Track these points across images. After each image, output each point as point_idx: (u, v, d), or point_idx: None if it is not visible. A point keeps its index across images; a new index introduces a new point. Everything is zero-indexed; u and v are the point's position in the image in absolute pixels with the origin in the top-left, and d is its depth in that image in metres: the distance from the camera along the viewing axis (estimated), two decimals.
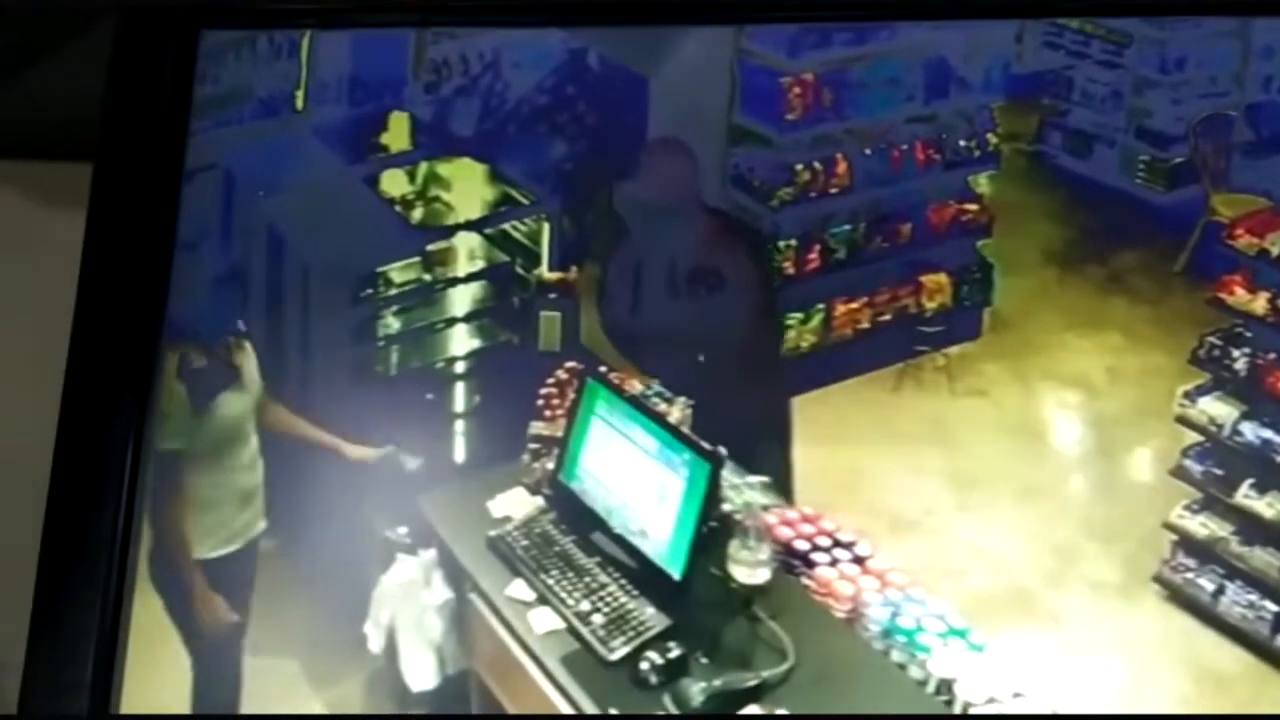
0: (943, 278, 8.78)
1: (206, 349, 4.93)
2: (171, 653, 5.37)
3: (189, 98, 5.77)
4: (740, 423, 4.87)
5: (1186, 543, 6.74)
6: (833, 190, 8.43)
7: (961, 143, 8.71)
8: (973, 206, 8.88)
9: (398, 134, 6.71)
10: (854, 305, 8.62)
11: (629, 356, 5.13)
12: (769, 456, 4.74)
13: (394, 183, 6.45)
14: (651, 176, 5.10)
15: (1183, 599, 6.71)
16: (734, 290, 5.03)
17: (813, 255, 8.35)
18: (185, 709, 4.94)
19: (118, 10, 5.33)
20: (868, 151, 8.48)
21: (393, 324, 5.85)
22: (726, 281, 5.04)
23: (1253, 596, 6.49)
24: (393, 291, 5.90)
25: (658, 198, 5.07)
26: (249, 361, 5.17)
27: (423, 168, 6.48)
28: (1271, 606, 6.44)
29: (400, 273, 5.96)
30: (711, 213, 5.26)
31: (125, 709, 4.58)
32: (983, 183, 8.96)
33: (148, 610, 4.94)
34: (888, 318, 8.76)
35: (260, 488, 5.05)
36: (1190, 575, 6.73)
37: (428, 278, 5.96)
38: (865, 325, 8.66)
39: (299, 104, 7.02)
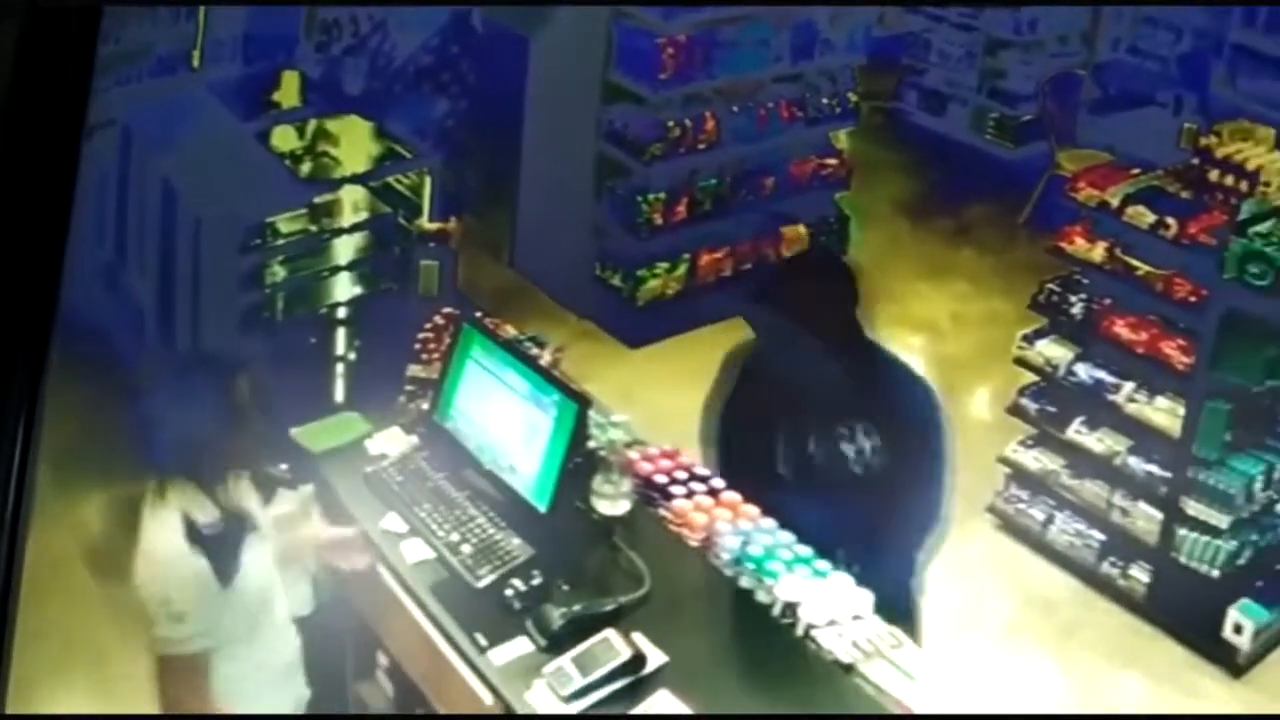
0: (801, 229, 8.84)
1: (210, 492, 3.80)
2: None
3: (93, 59, 5.65)
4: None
5: (1019, 476, 6.86)
6: (701, 146, 8.46)
7: (824, 101, 8.77)
8: (832, 161, 8.94)
9: (289, 92, 6.67)
10: (718, 255, 8.65)
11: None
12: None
13: (284, 138, 6.41)
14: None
15: (1014, 528, 6.83)
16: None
17: (680, 207, 8.38)
18: None
19: None
20: (735, 109, 8.51)
21: (279, 272, 5.82)
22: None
23: (1080, 525, 6.62)
24: (280, 241, 5.87)
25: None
26: (251, 497, 4.05)
27: (312, 124, 6.43)
28: (1098, 535, 6.57)
29: (288, 223, 5.93)
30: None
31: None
32: (843, 139, 9.03)
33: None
34: (749, 266, 8.83)
35: (299, 651, 4.22)
36: (1022, 506, 6.85)
37: (314, 228, 5.93)
38: (728, 273, 8.73)
39: (195, 62, 6.95)
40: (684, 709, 3.65)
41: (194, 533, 3.68)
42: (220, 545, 3.72)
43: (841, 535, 4.23)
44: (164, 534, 3.67)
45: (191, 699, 3.72)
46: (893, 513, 4.31)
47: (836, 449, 4.30)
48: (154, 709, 3.85)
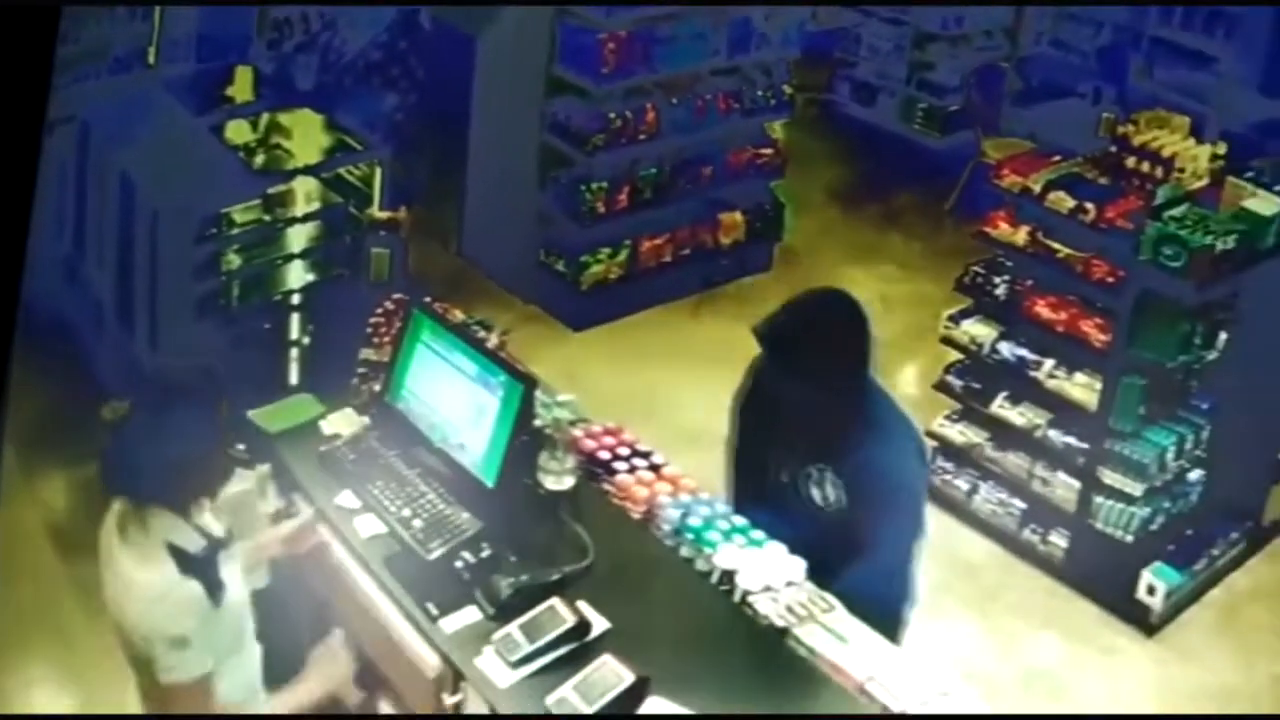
0: (738, 216, 8.90)
1: (185, 516, 3.67)
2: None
3: (52, 57, 5.62)
4: None
5: (946, 448, 6.95)
6: (642, 137, 8.49)
7: (760, 93, 8.82)
8: (768, 151, 9.00)
9: (243, 87, 6.66)
10: (658, 241, 8.71)
11: None
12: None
13: (238, 131, 6.40)
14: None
15: (941, 498, 6.91)
16: None
17: (622, 196, 8.42)
18: None
19: None
20: (674, 101, 8.54)
21: (234, 261, 5.82)
22: None
23: (1003, 495, 6.71)
24: (235, 231, 5.86)
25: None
26: (218, 520, 3.88)
27: (265, 118, 6.42)
28: (1019, 504, 6.66)
29: (242, 214, 5.92)
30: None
31: None
32: (777, 129, 9.09)
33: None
34: (688, 252, 8.89)
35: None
36: (948, 477, 6.93)
37: (268, 218, 5.92)
38: (668, 259, 8.78)
39: (151, 59, 6.94)
40: (626, 674, 3.69)
41: (184, 560, 3.60)
42: (206, 566, 3.66)
43: (808, 561, 4.23)
44: (154, 567, 3.57)
45: None
46: (849, 558, 4.29)
47: (804, 487, 4.33)
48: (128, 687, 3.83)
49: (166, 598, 3.54)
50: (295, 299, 5.82)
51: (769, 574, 4.13)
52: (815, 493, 4.29)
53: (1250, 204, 5.97)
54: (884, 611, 4.15)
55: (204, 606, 3.60)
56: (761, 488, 4.47)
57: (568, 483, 4.41)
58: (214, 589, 3.64)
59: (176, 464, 3.64)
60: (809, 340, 4.15)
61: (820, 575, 4.18)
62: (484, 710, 3.90)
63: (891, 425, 4.31)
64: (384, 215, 6.12)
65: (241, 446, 4.45)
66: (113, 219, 6.34)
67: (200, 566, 3.62)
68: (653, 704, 3.66)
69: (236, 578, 3.81)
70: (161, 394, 3.77)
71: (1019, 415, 6.58)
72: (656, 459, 4.68)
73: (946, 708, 3.70)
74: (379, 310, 5.04)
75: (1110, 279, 6.18)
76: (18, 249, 4.80)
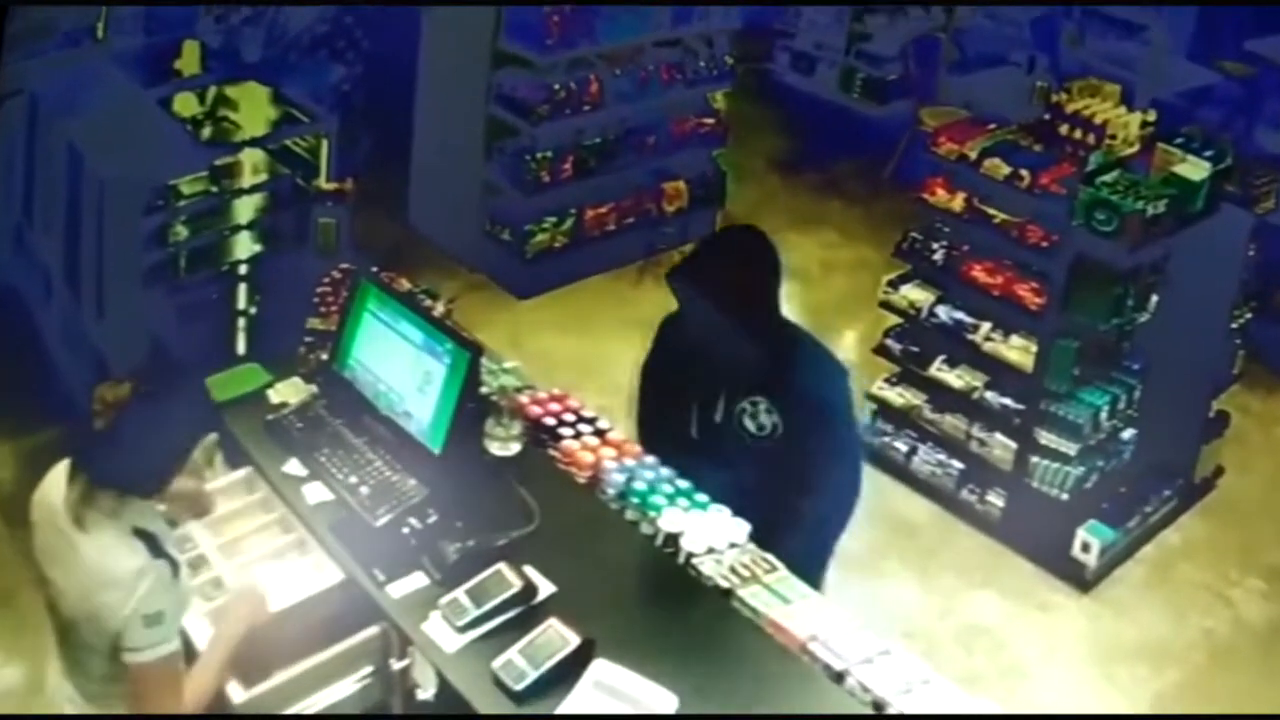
0: (681, 184, 8.84)
1: (146, 495, 3.55)
2: None
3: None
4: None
5: (885, 411, 6.94)
6: (586, 107, 8.42)
7: (701, 64, 8.77)
8: (710, 120, 8.95)
9: (190, 60, 6.55)
10: (603, 209, 8.63)
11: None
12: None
13: (185, 104, 6.30)
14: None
15: (881, 459, 6.90)
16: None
17: (567, 165, 8.34)
18: None
19: None
20: (618, 72, 8.48)
21: (182, 232, 5.73)
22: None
23: (941, 455, 6.70)
24: (183, 203, 5.77)
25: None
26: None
27: (212, 90, 6.33)
28: (957, 464, 6.65)
29: (190, 185, 5.83)
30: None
31: None
32: (719, 99, 9.05)
33: None
34: (632, 220, 8.83)
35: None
36: (888, 439, 6.92)
37: (215, 189, 5.84)
38: (612, 227, 8.72)
39: (100, 34, 6.82)
40: (571, 637, 3.65)
41: (153, 542, 3.51)
42: (165, 544, 3.58)
43: (743, 500, 4.21)
44: (126, 553, 3.45)
45: (173, 697, 3.57)
46: (793, 487, 4.28)
47: (740, 422, 4.29)
48: None
49: (144, 578, 3.44)
50: (243, 269, 5.74)
51: (712, 536, 4.11)
52: (751, 424, 4.26)
53: (1180, 169, 5.98)
54: (830, 536, 4.15)
55: (171, 581, 3.52)
56: (684, 439, 4.43)
57: (514, 449, 4.37)
58: (175, 568, 3.57)
59: (174, 454, 3.57)
60: (722, 273, 4.14)
61: (763, 511, 4.19)
62: (430, 673, 3.87)
63: (816, 353, 4.33)
64: (330, 186, 6.04)
65: None
66: (61, 190, 6.24)
67: (163, 547, 3.55)
68: (598, 666, 3.63)
69: (177, 550, 3.72)
70: (159, 380, 3.63)
71: (957, 378, 6.58)
72: (601, 424, 4.65)
73: (929, 696, 3.67)
74: (326, 280, 4.98)
75: (1044, 243, 6.17)
76: None
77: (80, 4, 6.56)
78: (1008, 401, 6.38)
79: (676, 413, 4.44)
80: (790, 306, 4.42)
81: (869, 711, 3.61)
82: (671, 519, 4.14)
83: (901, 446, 6.82)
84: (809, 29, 11.03)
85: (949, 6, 10.63)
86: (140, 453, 3.49)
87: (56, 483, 3.55)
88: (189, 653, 3.68)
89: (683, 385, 4.41)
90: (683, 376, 4.40)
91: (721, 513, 4.18)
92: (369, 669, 3.97)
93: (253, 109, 6.18)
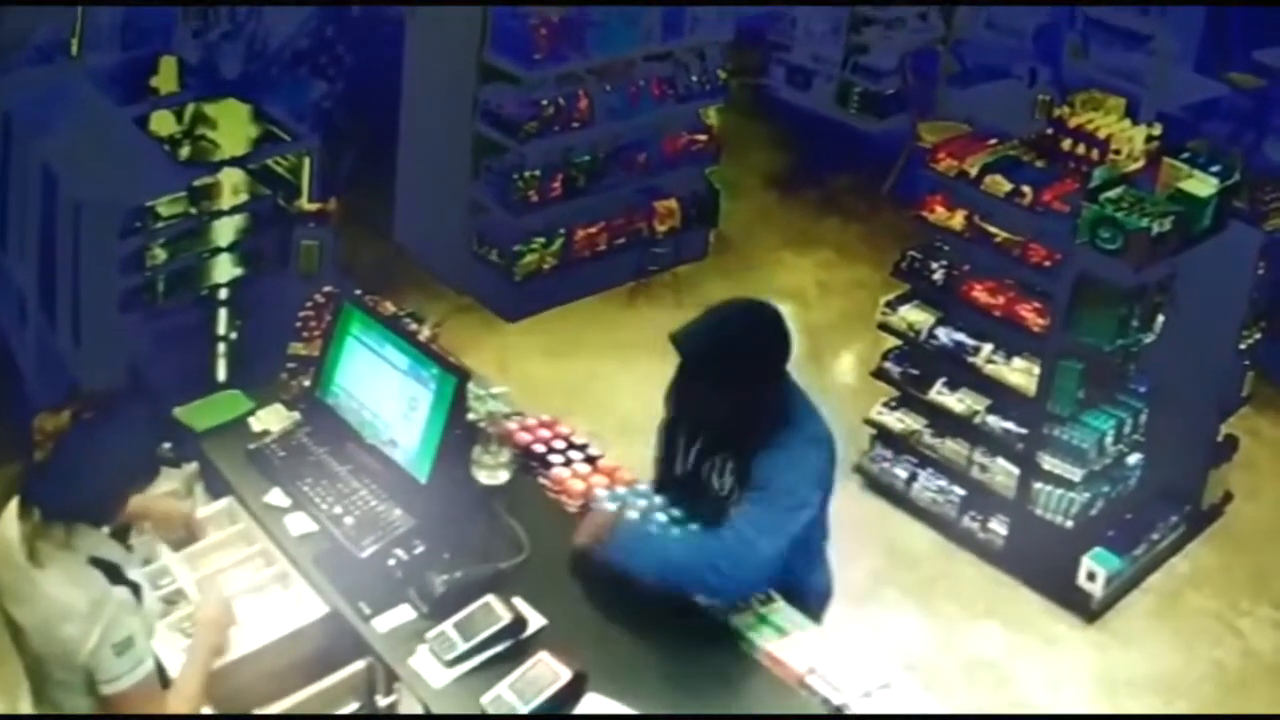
0: (673, 203, 8.87)
1: (96, 523, 3.59)
2: None
3: None
4: None
5: (884, 436, 6.96)
6: (575, 124, 8.45)
7: (694, 78, 8.80)
8: (702, 137, 8.99)
9: (167, 77, 6.56)
10: (593, 229, 8.66)
11: None
12: None
13: (163, 123, 6.30)
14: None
15: (879, 486, 6.94)
16: None
17: (556, 184, 8.36)
18: None
19: None
20: (608, 88, 8.51)
21: (160, 255, 5.73)
22: None
23: (942, 482, 6.72)
24: (160, 225, 5.78)
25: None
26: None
27: (190, 108, 6.34)
28: (959, 490, 6.68)
29: (168, 206, 5.84)
30: None
31: None
32: (712, 114, 9.08)
33: None
34: (623, 240, 8.86)
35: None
36: (887, 465, 6.95)
37: (194, 211, 5.85)
38: (602, 247, 8.74)
39: (74, 49, 6.84)
40: (562, 671, 3.68)
41: (111, 570, 3.53)
42: (125, 570, 3.60)
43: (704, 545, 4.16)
44: (83, 584, 3.47)
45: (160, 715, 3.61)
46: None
47: (708, 475, 4.31)
48: None
49: (104, 609, 3.46)
50: (223, 293, 5.75)
51: None
52: (715, 480, 4.27)
53: (1186, 185, 5.99)
54: (685, 585, 4.07)
55: (135, 607, 3.54)
56: (670, 474, 4.46)
57: (502, 477, 4.39)
58: (135, 591, 3.58)
59: (117, 481, 3.59)
60: (725, 354, 4.09)
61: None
62: (417, 709, 3.89)
63: (797, 427, 4.18)
64: (313, 207, 6.05)
65: (168, 445, 4.41)
66: (35, 211, 6.25)
67: (123, 574, 3.57)
68: (590, 701, 3.66)
69: (141, 576, 3.75)
70: (99, 406, 3.65)
71: (958, 401, 6.60)
72: (592, 450, 4.69)
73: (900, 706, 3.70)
74: (308, 304, 5.01)
75: (1047, 262, 6.20)
76: None
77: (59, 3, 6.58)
78: (1010, 426, 6.40)
79: (670, 443, 4.47)
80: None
81: None
82: None
83: (901, 473, 6.84)
84: (805, 41, 11.08)
85: (948, 17, 10.69)
86: (81, 480, 3.50)
87: (10, 518, 3.56)
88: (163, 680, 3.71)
89: (679, 419, 4.44)
90: (680, 411, 4.43)
91: None
92: (354, 705, 3.98)
93: (232, 127, 6.18)
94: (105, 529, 3.64)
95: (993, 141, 6.59)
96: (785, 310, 4.21)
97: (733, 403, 4.11)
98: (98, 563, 3.52)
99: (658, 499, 4.38)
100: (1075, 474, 6.18)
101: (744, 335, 4.13)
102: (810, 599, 4.28)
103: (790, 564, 4.10)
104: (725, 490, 4.22)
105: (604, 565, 4.10)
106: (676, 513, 4.30)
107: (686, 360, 4.19)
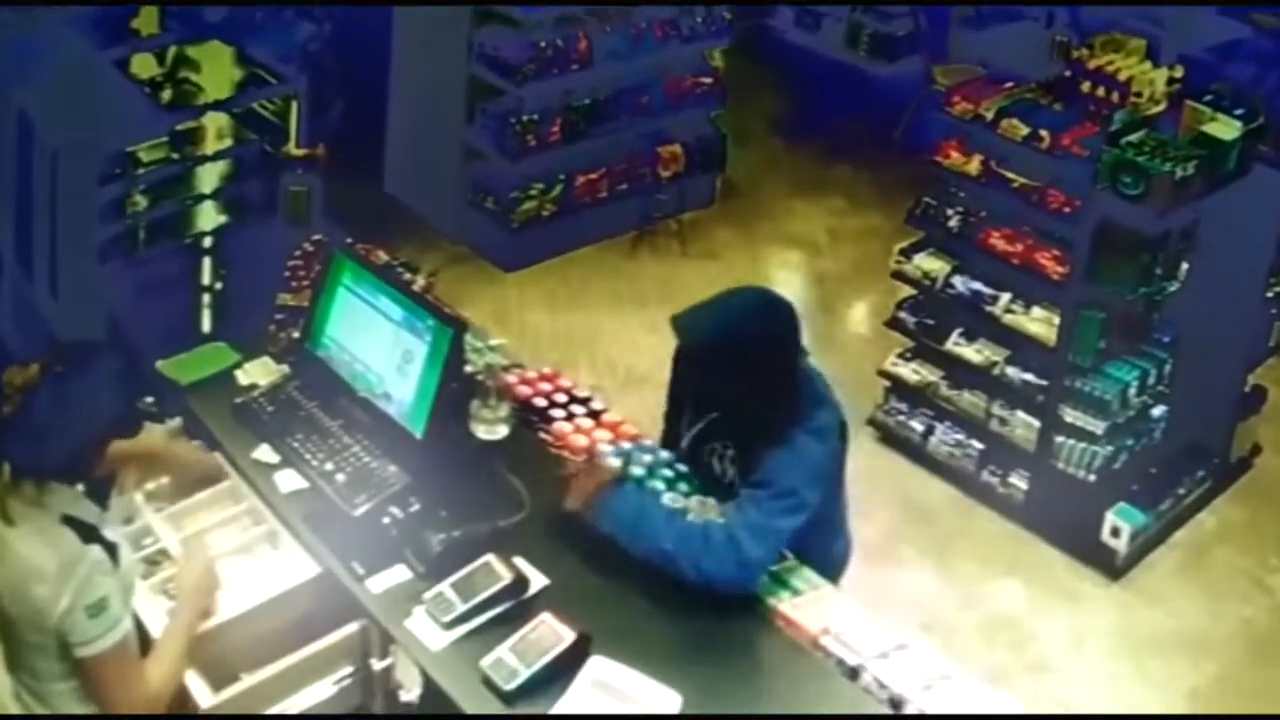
0: (677, 148, 8.80)
1: (69, 480, 3.53)
2: None
3: None
4: None
5: (899, 388, 6.92)
6: (574, 66, 8.38)
7: (698, 18, 8.72)
8: (707, 79, 8.91)
9: (148, 19, 6.50)
10: (593, 175, 8.58)
11: None
12: None
13: (144, 66, 6.25)
14: None
15: (895, 440, 6.90)
16: None
17: (555, 128, 8.29)
18: None
19: None
20: (608, 29, 8.44)
21: (141, 202, 5.69)
22: None
23: (960, 435, 6.68)
24: (141, 171, 5.73)
25: None
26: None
27: (172, 50, 6.28)
28: (977, 444, 6.64)
29: (149, 152, 5.79)
30: None
31: None
32: (717, 56, 9.01)
33: None
34: (625, 187, 8.79)
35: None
36: (902, 418, 6.91)
37: (176, 156, 5.80)
38: (604, 194, 8.67)
39: None
40: (566, 632, 3.63)
41: (84, 530, 3.47)
42: (101, 528, 3.54)
43: (693, 541, 4.09)
44: (54, 544, 3.42)
45: (138, 684, 3.53)
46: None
47: (709, 458, 4.26)
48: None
49: (75, 569, 3.40)
50: (207, 241, 5.71)
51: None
52: (716, 465, 4.21)
53: (1209, 129, 5.92)
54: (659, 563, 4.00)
55: (110, 568, 3.49)
56: (675, 444, 4.39)
57: (501, 432, 4.31)
58: (112, 551, 3.52)
59: (89, 437, 3.53)
60: (728, 350, 3.98)
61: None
62: (413, 673, 3.85)
63: (804, 420, 4.02)
64: (301, 152, 6.00)
65: (150, 400, 4.34)
66: (10, 159, 6.19)
67: (97, 533, 3.50)
68: (595, 663, 3.60)
69: (119, 536, 3.69)
70: (70, 358, 3.59)
71: (975, 352, 6.56)
72: (595, 404, 4.63)
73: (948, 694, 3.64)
74: (297, 252, 4.94)
75: (1067, 209, 6.16)
76: None
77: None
78: (1030, 377, 6.36)
79: (675, 415, 4.41)
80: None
81: (886, 710, 3.59)
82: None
83: (917, 426, 6.80)
84: None
85: None
86: (50, 436, 3.44)
87: None
88: (144, 643, 3.65)
89: (681, 395, 4.38)
90: (679, 388, 4.37)
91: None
92: (348, 669, 3.94)
93: (216, 70, 6.14)
94: (79, 486, 3.56)
95: (1009, 85, 6.56)
96: (792, 297, 4.11)
97: (734, 395, 4.03)
98: (71, 521, 3.46)
99: (663, 454, 4.32)
100: (1098, 426, 6.14)
101: (750, 334, 3.96)
102: (828, 568, 4.21)
103: (805, 540, 4.02)
104: (726, 478, 4.16)
105: (594, 529, 4.04)
106: (682, 468, 4.24)
107: (686, 350, 4.12)
